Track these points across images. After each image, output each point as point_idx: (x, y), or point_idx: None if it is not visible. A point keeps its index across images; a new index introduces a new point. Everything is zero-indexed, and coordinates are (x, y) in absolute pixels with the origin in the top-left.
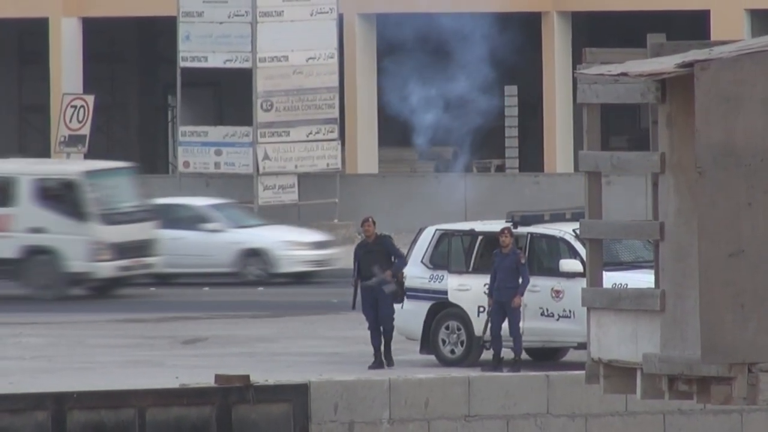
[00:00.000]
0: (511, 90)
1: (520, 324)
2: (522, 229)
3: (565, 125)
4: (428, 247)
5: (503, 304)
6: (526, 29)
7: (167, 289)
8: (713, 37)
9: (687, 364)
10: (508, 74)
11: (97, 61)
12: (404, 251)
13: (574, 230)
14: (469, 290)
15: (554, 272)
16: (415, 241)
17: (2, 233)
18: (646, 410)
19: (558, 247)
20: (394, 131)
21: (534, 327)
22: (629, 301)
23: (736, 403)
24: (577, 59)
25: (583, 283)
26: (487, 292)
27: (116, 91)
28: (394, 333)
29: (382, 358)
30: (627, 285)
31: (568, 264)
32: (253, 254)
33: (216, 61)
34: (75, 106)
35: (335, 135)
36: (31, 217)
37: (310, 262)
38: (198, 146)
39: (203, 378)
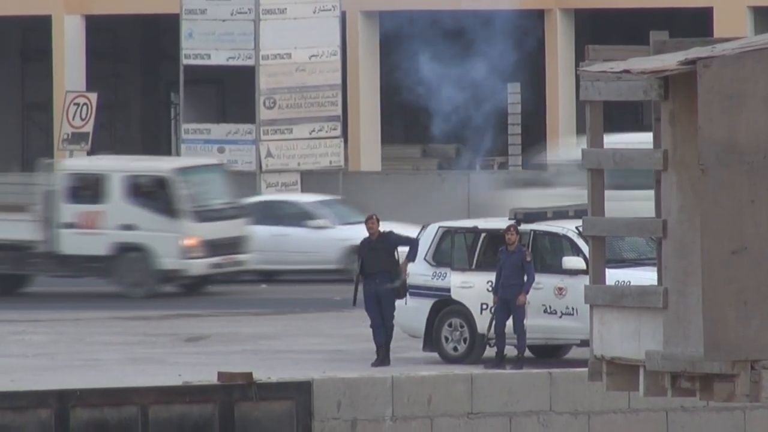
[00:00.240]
0: (514, 87)
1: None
2: (525, 227)
3: (567, 122)
4: (431, 244)
5: (508, 301)
6: (529, 26)
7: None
8: (716, 34)
9: (690, 362)
10: (511, 72)
11: (100, 59)
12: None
13: (577, 227)
14: (472, 287)
15: (557, 269)
16: (419, 236)
17: (93, 230)
18: (649, 407)
19: (561, 244)
20: (397, 128)
21: (537, 324)
22: (632, 299)
23: (738, 400)
24: (580, 56)
25: (585, 280)
26: (491, 289)
27: (119, 88)
28: (397, 330)
29: (387, 355)
30: (630, 282)
31: (571, 261)
32: None
33: (219, 58)
34: (78, 104)
35: (338, 132)
36: (122, 214)
37: None
38: (201, 144)
39: (206, 375)
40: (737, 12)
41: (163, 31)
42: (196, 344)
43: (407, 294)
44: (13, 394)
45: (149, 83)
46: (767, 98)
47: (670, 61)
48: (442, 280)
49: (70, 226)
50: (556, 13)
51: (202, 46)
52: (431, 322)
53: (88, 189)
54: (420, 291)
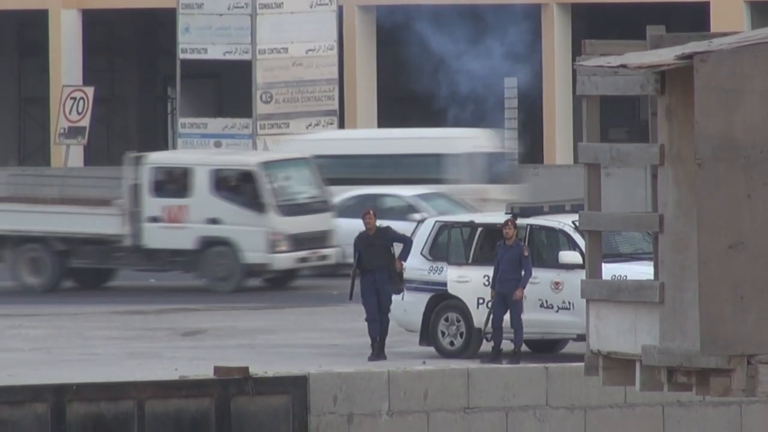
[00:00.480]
0: (511, 82)
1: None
2: (521, 221)
3: (564, 117)
4: (428, 238)
5: (505, 295)
6: (526, 21)
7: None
8: (713, 28)
9: (686, 356)
10: (508, 66)
11: (97, 53)
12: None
13: (573, 222)
14: (468, 282)
15: (554, 264)
16: (414, 233)
17: (179, 224)
18: (645, 402)
19: (557, 238)
20: (394, 122)
21: (533, 319)
22: (628, 293)
23: (735, 395)
24: (576, 51)
25: (582, 274)
26: (488, 283)
27: (116, 82)
28: (393, 325)
29: (382, 350)
30: (626, 277)
31: (568, 256)
32: None
33: (215, 52)
34: (75, 98)
35: (335, 126)
36: (207, 207)
37: None
38: (197, 138)
39: (202, 370)
40: (734, 6)
41: (159, 25)
42: (192, 338)
43: (404, 288)
44: (10, 389)
45: (146, 78)
46: (764, 93)
47: (666, 55)
48: (438, 274)
49: (156, 220)
50: (552, 8)
51: (199, 40)
52: (428, 316)
53: (174, 183)
54: (416, 285)
